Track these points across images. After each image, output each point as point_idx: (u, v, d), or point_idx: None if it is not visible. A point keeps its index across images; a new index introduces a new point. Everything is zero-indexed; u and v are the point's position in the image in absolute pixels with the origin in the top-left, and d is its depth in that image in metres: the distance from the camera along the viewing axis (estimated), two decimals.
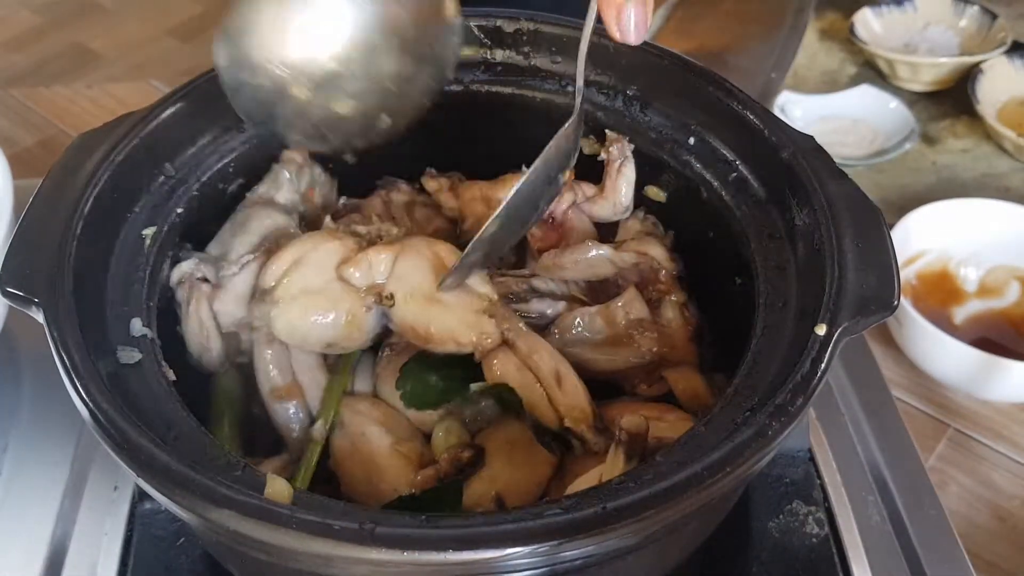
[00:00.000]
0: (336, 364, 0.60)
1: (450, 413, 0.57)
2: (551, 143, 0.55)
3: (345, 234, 0.61)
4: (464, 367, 0.57)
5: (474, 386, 0.56)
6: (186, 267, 0.58)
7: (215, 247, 0.61)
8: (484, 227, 0.54)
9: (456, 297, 0.57)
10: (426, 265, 0.58)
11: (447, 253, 0.59)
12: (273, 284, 0.57)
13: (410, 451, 0.56)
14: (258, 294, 0.58)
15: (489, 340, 0.56)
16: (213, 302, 0.58)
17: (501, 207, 0.54)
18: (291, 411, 0.57)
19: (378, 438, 0.56)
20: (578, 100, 0.56)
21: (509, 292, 0.60)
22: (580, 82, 0.56)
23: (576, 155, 0.59)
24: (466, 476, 0.54)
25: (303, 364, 0.58)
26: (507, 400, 0.56)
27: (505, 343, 0.56)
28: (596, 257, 0.62)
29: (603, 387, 0.59)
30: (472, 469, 0.54)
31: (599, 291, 0.64)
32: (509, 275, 0.62)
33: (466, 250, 0.55)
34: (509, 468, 0.54)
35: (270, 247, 0.60)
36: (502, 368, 0.56)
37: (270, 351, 0.58)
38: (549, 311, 0.61)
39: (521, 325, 0.57)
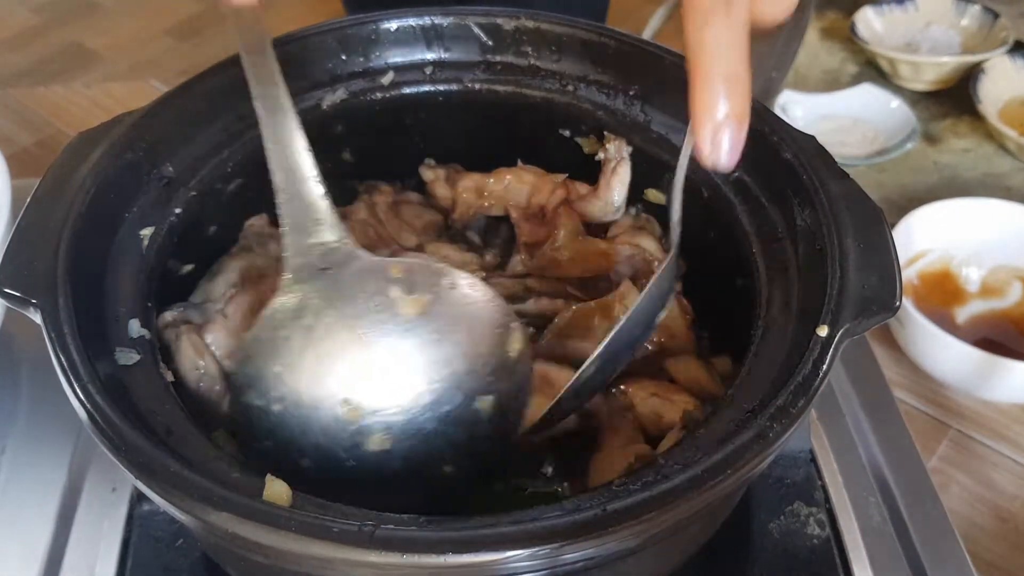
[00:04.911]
0: None
1: None
2: (649, 285, 0.51)
3: None
4: None
5: None
6: (169, 316, 0.57)
7: (197, 297, 0.60)
8: (578, 373, 0.50)
9: None
10: None
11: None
12: None
13: None
14: None
15: None
16: (203, 335, 0.57)
17: (597, 350, 0.50)
18: None
19: None
20: (675, 235, 0.52)
21: (507, 294, 0.60)
22: (676, 215, 0.52)
23: (672, 296, 0.55)
24: None
25: None
26: None
27: None
28: (590, 242, 0.63)
29: None
30: None
31: (593, 288, 0.63)
32: (504, 277, 0.62)
33: (557, 397, 0.51)
34: None
35: (251, 281, 0.59)
36: None
37: None
38: (547, 309, 0.61)
39: None
